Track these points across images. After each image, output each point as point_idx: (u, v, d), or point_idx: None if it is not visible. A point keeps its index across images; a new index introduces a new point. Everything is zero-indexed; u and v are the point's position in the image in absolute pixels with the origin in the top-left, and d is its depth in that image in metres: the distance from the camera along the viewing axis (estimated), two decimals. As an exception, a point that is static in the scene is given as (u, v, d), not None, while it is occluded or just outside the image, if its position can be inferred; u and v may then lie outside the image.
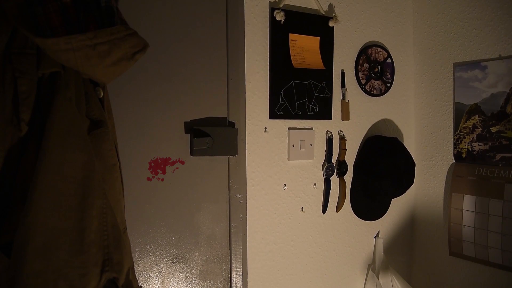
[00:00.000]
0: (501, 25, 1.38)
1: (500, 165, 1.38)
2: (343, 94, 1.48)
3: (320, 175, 1.46)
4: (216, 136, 1.20)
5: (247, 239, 1.31)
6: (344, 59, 1.49)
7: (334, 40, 1.45)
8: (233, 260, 1.27)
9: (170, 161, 1.18)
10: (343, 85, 1.49)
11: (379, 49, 1.55)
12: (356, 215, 1.54)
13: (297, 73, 1.37)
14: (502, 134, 1.38)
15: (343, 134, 1.50)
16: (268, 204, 1.35)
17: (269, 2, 1.32)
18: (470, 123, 1.47)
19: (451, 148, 1.54)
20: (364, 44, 1.54)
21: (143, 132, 1.14)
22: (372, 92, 1.55)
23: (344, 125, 1.50)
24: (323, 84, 1.43)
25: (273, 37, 1.33)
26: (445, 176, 1.57)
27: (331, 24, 1.43)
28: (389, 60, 1.58)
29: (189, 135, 1.20)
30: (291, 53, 1.36)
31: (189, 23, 1.19)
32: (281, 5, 1.33)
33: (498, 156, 1.39)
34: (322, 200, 1.47)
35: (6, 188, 0.77)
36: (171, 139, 1.18)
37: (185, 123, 1.20)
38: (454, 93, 1.53)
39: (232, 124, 1.26)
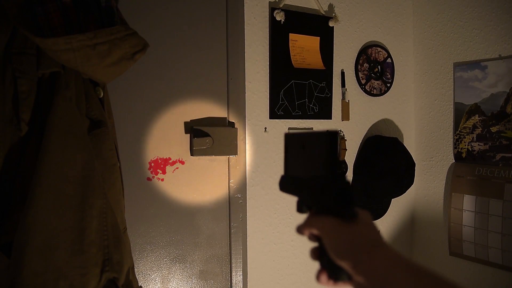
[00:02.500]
0: (501, 25, 1.38)
1: (500, 165, 1.38)
2: (343, 94, 1.48)
3: (320, 175, 1.46)
4: (216, 136, 1.20)
5: (247, 239, 1.31)
6: (344, 59, 1.49)
7: (334, 40, 1.45)
8: (233, 260, 1.27)
9: (170, 161, 1.18)
10: (343, 85, 1.49)
11: (379, 49, 1.55)
12: (356, 215, 1.54)
13: (297, 73, 1.37)
14: (502, 134, 1.38)
15: (343, 134, 1.50)
16: (268, 204, 1.35)
17: (269, 2, 1.32)
18: (470, 123, 1.47)
19: (451, 148, 1.54)
20: (364, 44, 1.54)
21: (143, 132, 1.14)
22: (372, 92, 1.55)
23: (344, 125, 1.50)
24: (323, 84, 1.43)
25: (273, 37, 1.33)
26: (445, 176, 1.57)
27: (331, 24, 1.43)
28: (389, 60, 1.58)
29: (189, 135, 1.20)
30: (291, 53, 1.35)
31: (189, 23, 1.19)
32: (281, 5, 1.33)
33: (498, 156, 1.39)
34: (322, 200, 1.47)
35: (6, 188, 0.77)
36: (171, 139, 1.18)
37: (185, 123, 1.20)
38: (454, 93, 1.53)
39: (232, 124, 1.26)
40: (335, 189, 0.50)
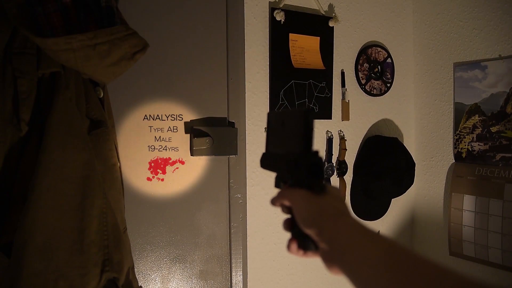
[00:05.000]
0: (501, 25, 1.38)
1: (500, 165, 1.38)
2: (343, 94, 1.48)
3: (320, 175, 1.46)
4: (216, 136, 1.20)
5: (247, 239, 1.31)
6: (344, 59, 1.49)
7: (334, 40, 1.45)
8: (233, 260, 1.27)
9: (170, 161, 1.18)
10: (343, 85, 1.49)
11: (379, 49, 1.55)
12: (356, 215, 1.54)
13: (297, 73, 1.37)
14: (502, 134, 1.38)
15: (343, 134, 1.50)
16: (268, 204, 1.35)
17: (269, 2, 1.32)
18: (470, 123, 1.47)
19: (451, 148, 1.54)
20: (364, 44, 1.54)
21: (143, 131, 1.14)
22: (372, 92, 1.55)
23: (344, 125, 1.50)
24: (323, 84, 1.43)
25: (273, 37, 1.33)
26: (445, 176, 1.57)
27: (331, 24, 1.43)
28: (389, 60, 1.58)
29: (189, 135, 1.20)
30: (291, 53, 1.35)
31: (189, 23, 1.19)
32: (281, 5, 1.33)
33: (498, 156, 1.39)
34: (322, 200, 1.46)
35: (6, 188, 0.77)
36: (170, 139, 1.18)
37: (185, 123, 1.20)
38: (454, 93, 1.53)
39: (232, 124, 1.26)
40: (307, 164, 0.53)
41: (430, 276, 0.39)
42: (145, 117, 1.15)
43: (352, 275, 0.45)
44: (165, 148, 1.17)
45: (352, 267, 0.45)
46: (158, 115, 1.16)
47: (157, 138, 1.16)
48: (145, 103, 1.14)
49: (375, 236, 0.46)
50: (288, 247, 0.56)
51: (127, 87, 1.11)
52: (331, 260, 0.49)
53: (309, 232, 0.51)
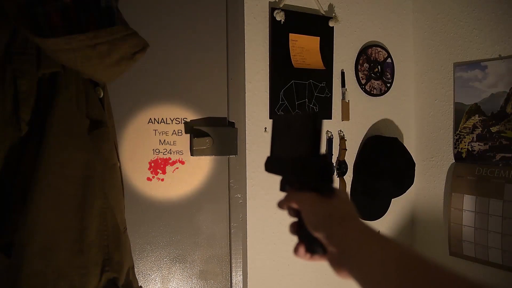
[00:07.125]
0: (501, 25, 1.38)
1: (500, 165, 1.38)
2: (343, 94, 1.48)
3: (320, 175, 1.46)
4: (216, 136, 1.20)
5: (247, 239, 1.31)
6: (344, 59, 1.49)
7: (334, 40, 1.45)
8: (233, 260, 1.27)
9: (170, 161, 1.18)
10: (343, 85, 1.49)
11: (379, 49, 1.55)
12: (356, 215, 1.54)
13: (297, 73, 1.37)
14: (502, 134, 1.38)
15: (343, 134, 1.50)
16: (268, 204, 1.35)
17: (269, 2, 1.32)
18: (470, 123, 1.47)
19: (451, 148, 1.54)
20: (364, 44, 1.54)
21: (143, 132, 1.14)
22: (372, 92, 1.55)
23: (344, 125, 1.50)
24: (323, 84, 1.43)
25: (273, 37, 1.33)
26: (445, 176, 1.57)
27: (331, 24, 1.43)
28: (389, 60, 1.58)
29: (189, 135, 1.20)
30: (291, 53, 1.35)
31: (189, 23, 1.19)
32: (281, 5, 1.33)
33: (498, 156, 1.39)
34: (322, 200, 1.46)
35: (6, 188, 0.77)
36: (171, 139, 1.18)
37: (185, 123, 1.20)
38: (454, 93, 1.53)
39: (232, 124, 1.26)
40: (316, 167, 0.53)
41: (438, 280, 0.39)
42: (150, 121, 1.15)
43: (360, 279, 0.45)
44: (169, 152, 1.17)
45: (360, 271, 0.45)
46: (162, 118, 1.16)
47: (162, 141, 1.17)
48: (149, 106, 1.14)
49: (384, 239, 0.46)
50: (296, 250, 0.55)
51: (130, 90, 1.11)
52: (340, 264, 0.49)
53: (318, 235, 0.51)
